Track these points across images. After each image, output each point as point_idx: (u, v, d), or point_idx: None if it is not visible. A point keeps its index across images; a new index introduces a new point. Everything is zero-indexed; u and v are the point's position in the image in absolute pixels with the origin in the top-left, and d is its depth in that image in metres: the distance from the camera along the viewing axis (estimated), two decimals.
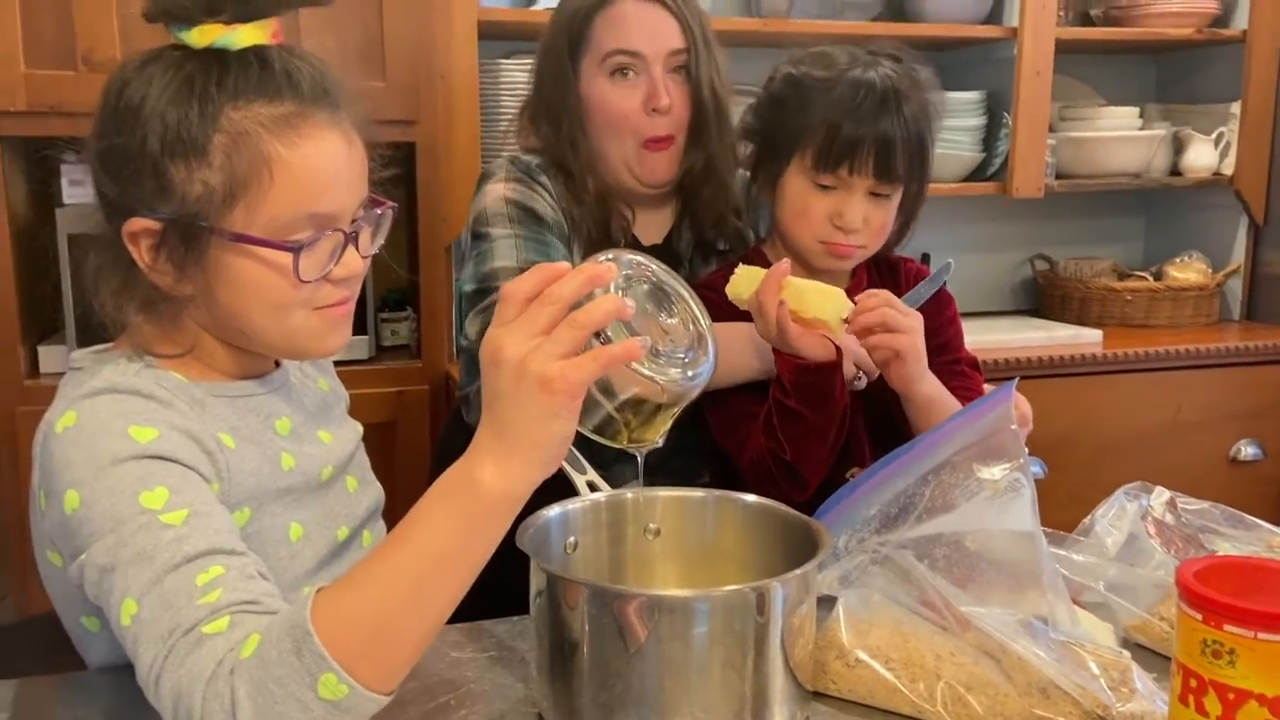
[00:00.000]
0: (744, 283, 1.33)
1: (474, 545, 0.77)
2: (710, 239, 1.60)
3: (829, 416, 1.32)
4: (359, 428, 1.17)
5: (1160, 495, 1.14)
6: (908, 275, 1.53)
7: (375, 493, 1.15)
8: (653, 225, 1.60)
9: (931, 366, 1.44)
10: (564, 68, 1.51)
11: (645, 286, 0.88)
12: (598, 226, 1.53)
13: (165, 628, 0.77)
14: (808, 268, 1.47)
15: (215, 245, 0.91)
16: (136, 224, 0.91)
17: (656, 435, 0.90)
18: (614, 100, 1.48)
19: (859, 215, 1.37)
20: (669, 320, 0.89)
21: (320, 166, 0.92)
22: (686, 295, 0.90)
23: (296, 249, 0.91)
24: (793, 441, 1.32)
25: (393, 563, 0.77)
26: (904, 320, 1.31)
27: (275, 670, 0.72)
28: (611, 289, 0.81)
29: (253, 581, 0.81)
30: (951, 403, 1.37)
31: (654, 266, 0.89)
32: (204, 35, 0.90)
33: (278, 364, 1.07)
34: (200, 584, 0.78)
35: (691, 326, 0.90)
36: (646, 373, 0.83)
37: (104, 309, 0.95)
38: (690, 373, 0.87)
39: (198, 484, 0.87)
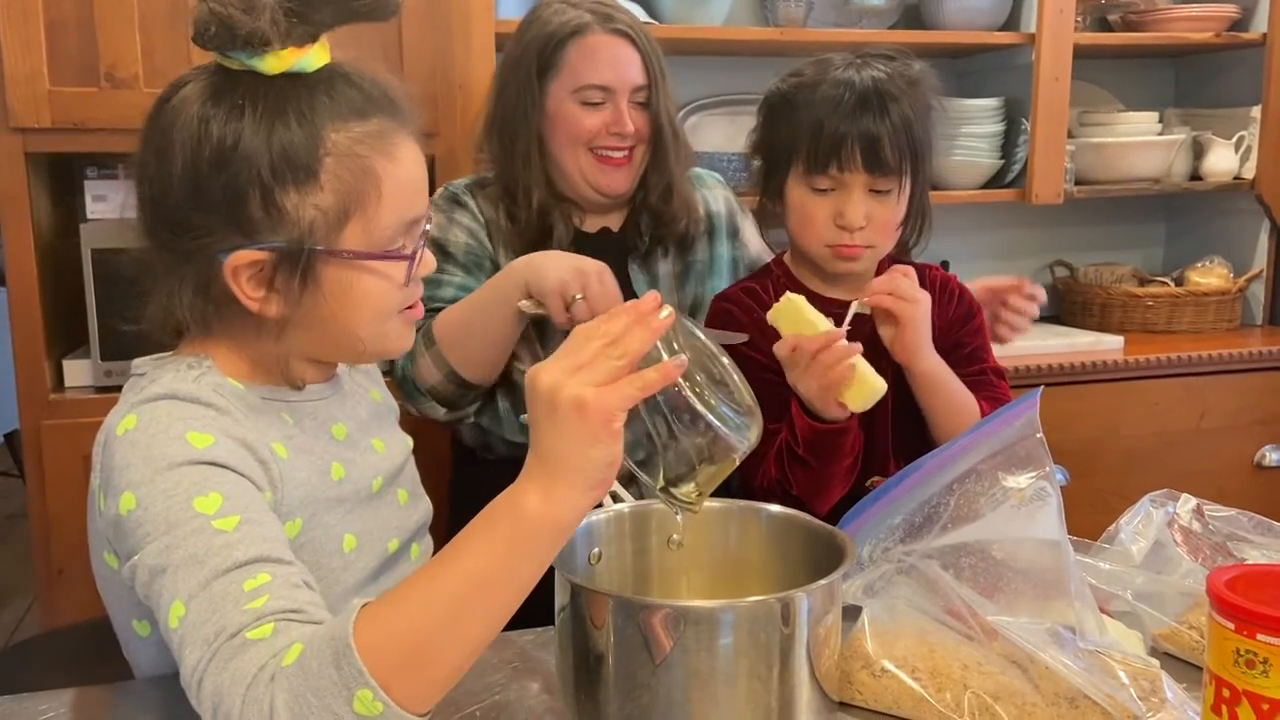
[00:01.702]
0: (786, 319, 1.31)
1: (515, 569, 0.76)
2: (666, 240, 1.68)
3: (836, 470, 1.34)
4: (409, 440, 1.18)
5: (1186, 503, 1.14)
6: (931, 283, 1.52)
7: (425, 507, 1.16)
8: (597, 222, 1.68)
9: (960, 376, 1.44)
10: (530, 86, 1.60)
11: (696, 341, 0.87)
12: (525, 236, 1.60)
13: (211, 631, 0.77)
14: (821, 275, 1.47)
15: (327, 266, 0.93)
16: (241, 257, 0.91)
17: (692, 495, 0.87)
18: (582, 121, 1.58)
19: (860, 213, 1.38)
20: (712, 374, 0.88)
21: (414, 175, 0.97)
22: (729, 367, 0.89)
23: (411, 257, 0.96)
24: (800, 483, 1.35)
25: (434, 582, 0.76)
26: (911, 289, 1.34)
27: (314, 681, 0.73)
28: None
29: (298, 590, 0.81)
30: (954, 384, 1.39)
31: (701, 336, 0.88)
32: (280, 61, 0.91)
33: (334, 371, 1.08)
34: (247, 590, 0.79)
35: (736, 387, 0.89)
36: (695, 402, 0.81)
37: (176, 338, 0.98)
38: (740, 423, 0.85)
39: (250, 492, 0.88)
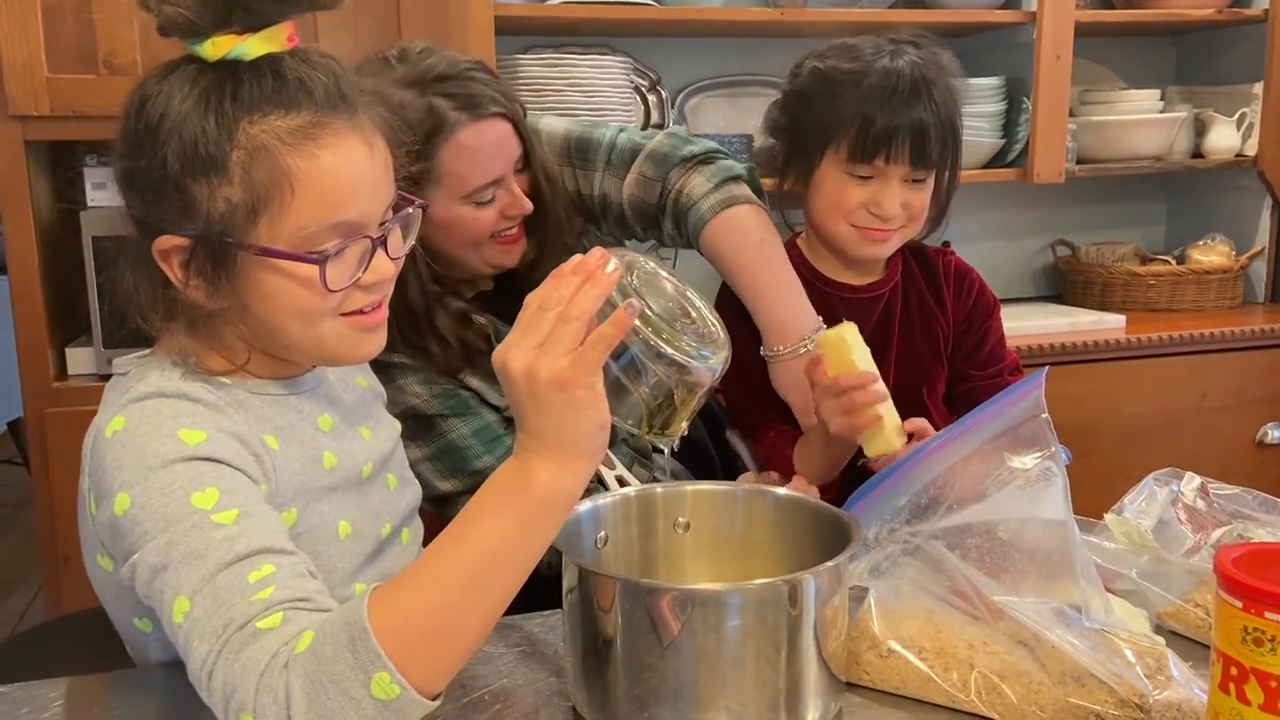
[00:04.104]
0: (832, 347, 1.28)
1: (528, 543, 0.78)
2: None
3: None
4: (397, 425, 1.18)
5: (1191, 481, 1.13)
6: (946, 270, 1.53)
7: (415, 491, 1.16)
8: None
9: (978, 378, 1.49)
10: None
11: (641, 273, 0.88)
12: (461, 350, 1.43)
13: (219, 623, 0.77)
14: (842, 259, 1.47)
15: (243, 260, 0.91)
16: (166, 242, 0.91)
17: (678, 428, 0.90)
18: (481, 219, 1.39)
19: (896, 203, 1.38)
20: (673, 309, 0.88)
21: (341, 175, 0.91)
22: (691, 295, 0.90)
23: (322, 260, 0.90)
24: None
25: (448, 562, 0.77)
26: None
27: (330, 666, 0.73)
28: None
29: (303, 580, 0.82)
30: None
31: (660, 271, 0.89)
32: (217, 48, 0.89)
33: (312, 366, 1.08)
34: (253, 581, 0.79)
35: (701, 317, 0.90)
36: (663, 346, 0.83)
37: (144, 323, 0.95)
38: (705, 353, 0.86)
39: (246, 485, 0.88)
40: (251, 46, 0.89)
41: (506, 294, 1.47)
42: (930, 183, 1.42)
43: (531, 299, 0.78)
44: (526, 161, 1.42)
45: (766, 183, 1.53)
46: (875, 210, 1.39)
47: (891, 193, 1.38)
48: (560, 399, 0.75)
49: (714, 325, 0.90)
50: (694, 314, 0.89)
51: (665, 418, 0.89)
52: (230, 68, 0.89)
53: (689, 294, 0.90)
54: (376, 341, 1.00)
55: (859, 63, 1.39)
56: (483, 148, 1.36)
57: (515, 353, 0.77)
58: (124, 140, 0.92)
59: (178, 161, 0.88)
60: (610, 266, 0.78)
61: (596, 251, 0.80)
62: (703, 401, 0.91)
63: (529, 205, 1.41)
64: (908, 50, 1.39)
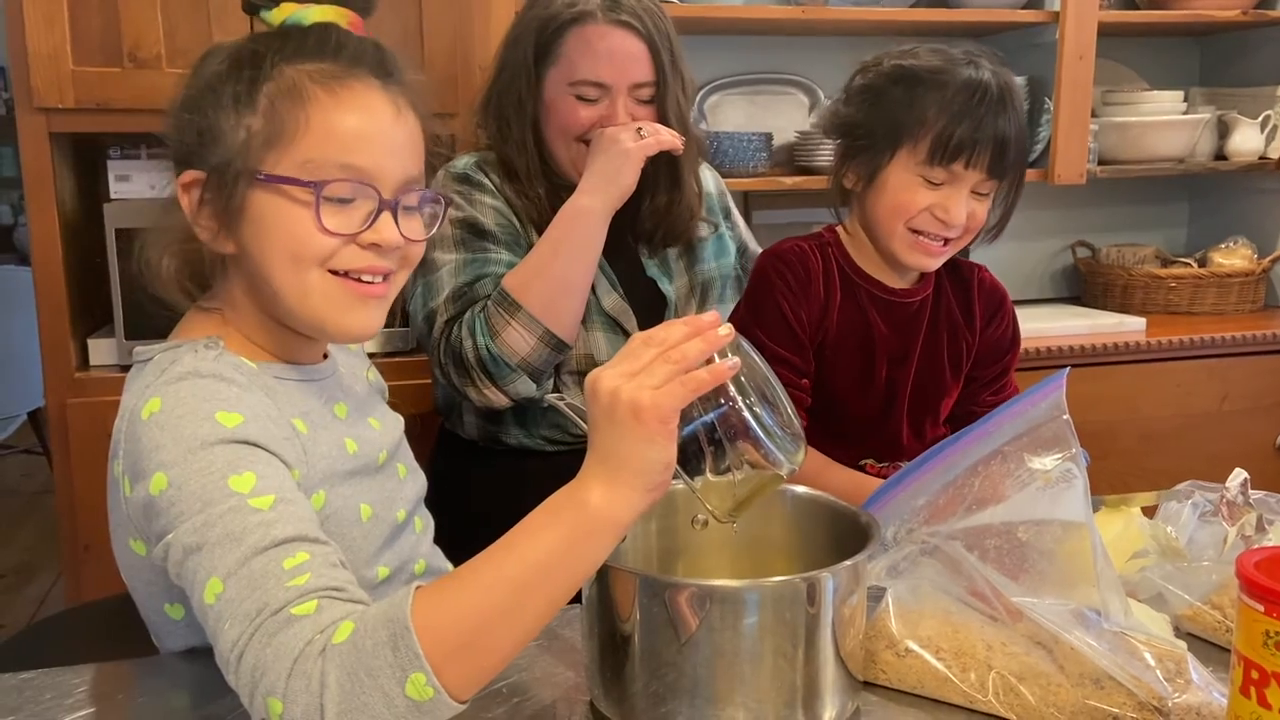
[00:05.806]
0: None
1: (574, 562, 0.78)
2: (668, 237, 1.64)
3: None
4: (400, 419, 1.19)
5: (1236, 477, 1.11)
6: (981, 287, 1.51)
7: (421, 480, 1.18)
8: None
9: (985, 409, 1.45)
10: (526, 71, 1.54)
11: (745, 355, 0.87)
12: (542, 214, 1.55)
13: (252, 607, 0.78)
14: (891, 263, 1.44)
15: (249, 190, 0.93)
16: (188, 176, 0.95)
17: (724, 505, 0.87)
18: (575, 114, 1.52)
19: (963, 211, 1.37)
20: (768, 397, 0.88)
21: (357, 120, 0.94)
22: (782, 394, 0.89)
23: (319, 186, 0.92)
24: None
25: (494, 569, 0.77)
26: None
27: (368, 660, 0.73)
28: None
29: (336, 570, 0.82)
30: None
31: (757, 359, 0.89)
32: (281, 13, 0.97)
33: (325, 355, 1.09)
34: (288, 568, 0.79)
35: (788, 415, 0.89)
36: (745, 413, 0.82)
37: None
38: (785, 438, 0.85)
39: (282, 471, 0.89)
40: (310, 13, 0.96)
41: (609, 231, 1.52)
42: (991, 197, 1.40)
43: (638, 336, 0.80)
44: (654, 97, 1.52)
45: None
46: (941, 215, 1.36)
47: (960, 200, 1.36)
48: (634, 426, 0.76)
49: (798, 426, 0.89)
50: (782, 411, 0.89)
51: (729, 498, 0.87)
52: (288, 28, 0.96)
53: (777, 386, 0.90)
54: (368, 316, 0.99)
55: (942, 64, 1.37)
56: (599, 45, 1.48)
57: (608, 374, 0.78)
58: (179, 87, 0.98)
59: (213, 94, 0.94)
60: (723, 330, 0.79)
61: (711, 313, 0.81)
62: (768, 493, 0.89)
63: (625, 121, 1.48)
64: (984, 63, 1.38)
